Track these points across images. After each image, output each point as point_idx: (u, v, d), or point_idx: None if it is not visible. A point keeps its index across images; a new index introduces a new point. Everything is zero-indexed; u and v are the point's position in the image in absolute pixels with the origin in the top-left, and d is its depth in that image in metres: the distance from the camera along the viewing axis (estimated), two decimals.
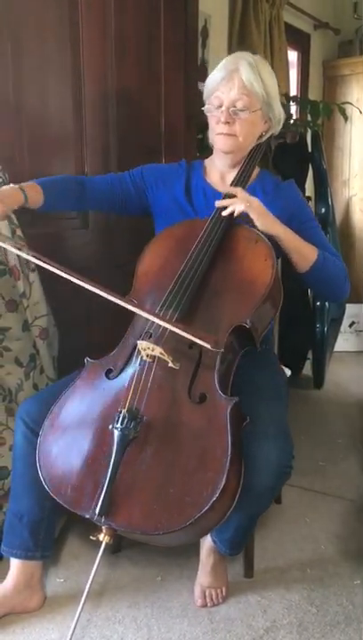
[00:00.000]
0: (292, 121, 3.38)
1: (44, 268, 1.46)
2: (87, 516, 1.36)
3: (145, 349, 1.44)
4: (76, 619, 1.43)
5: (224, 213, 1.58)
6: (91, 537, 1.38)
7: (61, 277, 1.44)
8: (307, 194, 3.50)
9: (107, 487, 1.33)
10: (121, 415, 1.38)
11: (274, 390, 1.65)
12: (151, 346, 1.43)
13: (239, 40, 3.40)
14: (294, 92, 4.15)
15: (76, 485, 1.39)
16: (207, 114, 1.70)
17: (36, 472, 1.45)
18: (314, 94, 4.44)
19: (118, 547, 1.91)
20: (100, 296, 1.44)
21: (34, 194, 1.62)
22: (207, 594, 1.70)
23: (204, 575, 1.72)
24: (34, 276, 1.90)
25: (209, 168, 1.82)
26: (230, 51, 3.33)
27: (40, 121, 2.03)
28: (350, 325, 4.19)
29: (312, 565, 1.87)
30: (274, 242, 1.59)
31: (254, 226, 1.58)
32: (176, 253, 1.61)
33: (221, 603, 1.70)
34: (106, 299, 1.44)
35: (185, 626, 1.62)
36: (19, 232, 1.86)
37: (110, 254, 2.21)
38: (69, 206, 1.78)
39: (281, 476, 1.49)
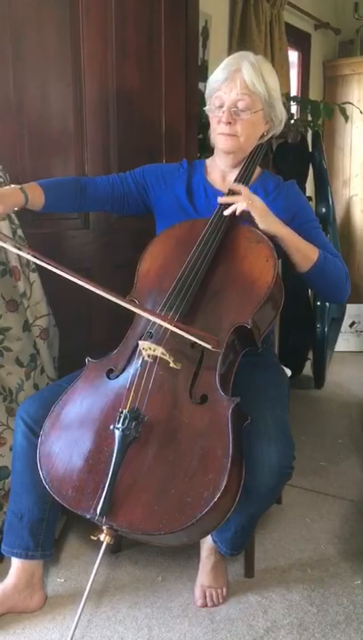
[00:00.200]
0: (292, 121, 3.39)
1: (44, 268, 1.46)
2: (88, 517, 1.36)
3: (146, 350, 1.44)
4: (76, 619, 1.44)
5: (226, 213, 1.58)
6: (91, 537, 1.38)
7: (62, 277, 1.44)
8: (307, 194, 3.49)
9: (108, 487, 1.33)
10: (122, 415, 1.38)
11: (275, 390, 1.65)
12: (153, 346, 1.43)
13: (240, 40, 3.40)
14: (294, 92, 4.16)
15: (77, 485, 1.39)
16: (209, 114, 1.70)
17: (36, 471, 1.45)
18: (315, 94, 4.44)
19: (119, 547, 1.91)
20: (101, 296, 1.44)
21: (35, 195, 1.62)
22: (208, 594, 1.70)
23: (204, 575, 1.72)
24: (34, 277, 1.90)
25: (210, 168, 1.82)
26: (231, 51, 3.33)
27: (41, 121, 2.03)
28: (351, 325, 4.19)
29: (313, 565, 1.87)
30: (275, 242, 1.59)
31: (256, 226, 1.58)
32: (177, 253, 1.61)
33: (221, 603, 1.70)
34: (106, 299, 1.44)
35: (186, 626, 1.62)
36: (20, 232, 1.86)
37: (111, 254, 2.21)
38: (71, 207, 1.78)
39: (282, 476, 1.49)
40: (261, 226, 1.56)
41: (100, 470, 1.38)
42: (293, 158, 3.25)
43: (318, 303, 3.38)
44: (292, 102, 3.46)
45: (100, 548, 1.38)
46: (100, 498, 1.33)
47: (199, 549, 1.77)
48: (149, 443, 1.38)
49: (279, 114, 1.71)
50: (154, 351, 1.43)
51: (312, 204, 3.37)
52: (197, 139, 2.39)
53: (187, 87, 2.30)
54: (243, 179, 1.68)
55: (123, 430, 1.36)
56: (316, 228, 1.74)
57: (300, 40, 4.25)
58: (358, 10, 4.48)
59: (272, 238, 1.58)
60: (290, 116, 2.99)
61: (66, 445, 1.45)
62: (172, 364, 1.43)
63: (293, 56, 4.20)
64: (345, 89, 4.55)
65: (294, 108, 3.51)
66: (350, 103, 3.90)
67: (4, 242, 1.51)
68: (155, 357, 1.45)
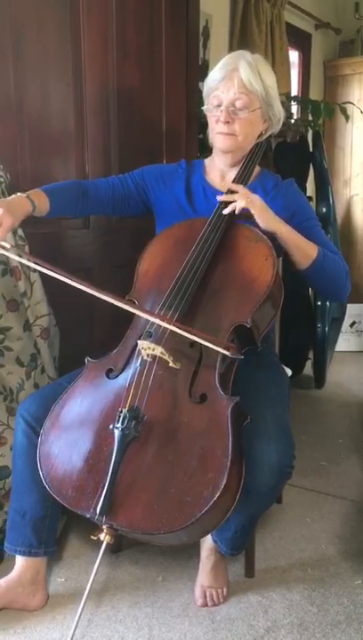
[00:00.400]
0: (293, 121, 3.39)
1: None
2: (88, 516, 1.36)
3: (145, 349, 1.44)
4: (76, 618, 1.44)
5: (225, 212, 1.58)
6: (92, 536, 1.38)
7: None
8: (308, 193, 3.49)
9: (107, 487, 1.33)
10: (122, 415, 1.38)
11: (275, 390, 1.65)
12: (152, 345, 1.43)
13: (240, 40, 3.40)
14: (295, 91, 4.16)
15: (76, 485, 1.39)
16: (207, 113, 1.70)
17: (37, 469, 1.45)
18: (315, 94, 4.44)
19: (119, 546, 1.91)
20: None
21: (40, 201, 1.61)
22: (208, 594, 1.70)
23: (204, 575, 1.72)
24: (35, 276, 1.90)
25: (209, 167, 1.82)
26: (231, 51, 3.31)
27: (41, 121, 2.03)
28: (351, 325, 4.19)
29: (313, 565, 1.87)
30: (274, 240, 1.59)
31: (255, 224, 1.58)
32: (177, 253, 1.61)
33: (221, 602, 1.70)
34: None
35: (186, 625, 1.62)
36: (20, 232, 1.86)
37: (111, 254, 2.21)
38: (73, 212, 1.76)
39: (282, 475, 1.49)
40: (260, 223, 1.57)
41: (99, 470, 1.38)
42: (293, 158, 3.25)
43: (319, 303, 3.38)
44: (292, 102, 3.46)
45: (100, 548, 1.38)
46: (100, 497, 1.33)
47: (199, 549, 1.77)
48: (149, 442, 1.38)
49: (277, 112, 1.71)
50: (153, 350, 1.43)
51: (313, 203, 3.38)
52: (197, 138, 2.39)
53: (187, 87, 2.30)
54: (242, 178, 1.68)
55: (122, 430, 1.36)
56: (315, 226, 1.74)
57: (300, 40, 4.26)
58: (358, 10, 4.48)
59: (272, 236, 1.58)
60: (290, 115, 2.99)
61: (65, 445, 1.45)
62: (171, 364, 1.43)
63: (293, 56, 4.20)
64: (346, 89, 4.55)
65: (294, 108, 3.51)
66: (350, 103, 3.90)
67: (7, 250, 1.50)
68: (154, 357, 1.45)
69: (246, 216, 1.58)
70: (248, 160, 1.72)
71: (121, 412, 1.39)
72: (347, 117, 3.43)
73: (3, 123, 1.95)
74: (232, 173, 1.73)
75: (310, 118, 3.35)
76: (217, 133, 1.68)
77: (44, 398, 1.59)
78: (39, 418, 1.53)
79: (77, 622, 1.45)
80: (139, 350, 1.47)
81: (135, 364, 1.48)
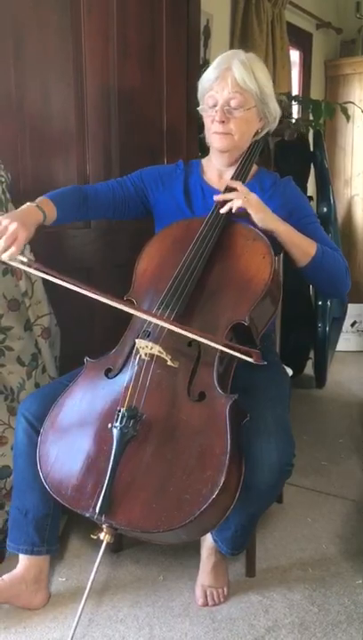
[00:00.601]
0: (294, 120, 3.38)
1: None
2: (88, 515, 1.36)
3: (143, 348, 1.45)
4: (77, 618, 1.44)
5: (222, 211, 1.58)
6: (91, 536, 1.38)
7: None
8: (309, 193, 3.49)
9: (106, 486, 1.33)
10: (120, 414, 1.38)
11: (276, 389, 1.65)
12: (150, 344, 1.44)
13: (241, 39, 3.40)
14: (296, 91, 4.15)
15: (76, 485, 1.40)
16: (202, 113, 1.71)
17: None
18: (316, 94, 4.44)
19: (120, 546, 1.92)
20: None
21: (49, 210, 1.61)
22: (208, 593, 1.70)
23: (204, 575, 1.72)
24: (36, 276, 1.90)
25: (207, 167, 1.82)
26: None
27: (42, 121, 2.03)
28: (352, 325, 4.19)
29: (314, 565, 1.87)
30: (273, 238, 1.60)
31: (253, 223, 1.58)
32: (174, 252, 1.61)
33: (222, 602, 1.70)
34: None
35: (187, 625, 1.62)
36: None
37: (112, 254, 2.21)
38: (76, 217, 1.76)
39: (282, 473, 1.49)
40: (257, 222, 1.57)
41: (99, 469, 1.38)
42: (294, 158, 3.25)
43: (320, 302, 3.38)
44: (293, 102, 3.46)
45: (100, 547, 1.38)
46: (100, 496, 1.33)
47: (200, 549, 1.77)
48: (148, 441, 1.38)
49: (273, 110, 1.72)
50: (151, 349, 1.44)
51: (314, 203, 3.38)
52: (198, 138, 2.39)
53: (188, 86, 2.30)
54: (239, 176, 1.69)
55: (121, 429, 1.36)
56: (314, 223, 1.74)
57: (301, 39, 4.25)
58: (359, 9, 4.48)
59: (270, 234, 1.58)
60: (289, 114, 2.98)
61: (65, 445, 1.45)
62: (169, 362, 1.44)
63: (294, 55, 4.19)
64: (347, 88, 4.55)
65: (295, 108, 3.51)
66: (351, 103, 3.89)
67: (24, 264, 1.48)
68: (152, 356, 1.45)
69: (243, 215, 1.58)
70: (245, 159, 1.72)
71: (119, 411, 1.39)
72: (348, 117, 3.42)
73: (3, 122, 1.95)
74: (230, 172, 1.74)
75: (311, 118, 3.35)
76: (213, 133, 1.69)
77: (44, 397, 1.59)
78: (40, 417, 1.53)
79: (78, 622, 1.45)
80: (137, 349, 1.47)
81: (133, 364, 1.49)
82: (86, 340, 2.18)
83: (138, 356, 1.48)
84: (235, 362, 1.52)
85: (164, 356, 1.43)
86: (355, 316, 4.16)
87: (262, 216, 1.57)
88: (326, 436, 2.81)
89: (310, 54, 4.38)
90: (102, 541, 1.36)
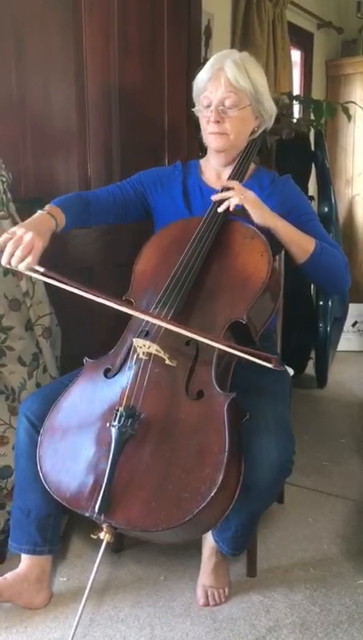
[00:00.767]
0: (295, 120, 3.38)
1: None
2: (87, 515, 1.37)
3: (141, 347, 1.45)
4: (77, 618, 1.44)
5: (220, 209, 1.58)
6: (92, 535, 1.38)
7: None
8: (310, 193, 3.49)
9: (105, 485, 1.34)
10: (118, 413, 1.38)
11: (276, 388, 1.65)
12: (147, 343, 1.44)
13: (242, 39, 3.40)
14: (297, 91, 4.15)
15: (75, 484, 1.40)
16: (198, 114, 1.72)
17: None
18: (317, 93, 4.44)
19: (121, 546, 1.91)
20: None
21: (60, 217, 1.60)
22: (209, 593, 1.70)
23: (206, 576, 1.72)
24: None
25: (205, 167, 1.83)
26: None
27: (43, 120, 2.03)
28: (353, 325, 4.19)
29: (315, 565, 1.87)
30: (272, 236, 1.60)
31: (251, 222, 1.58)
32: (172, 252, 1.61)
33: (223, 602, 1.70)
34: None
35: (188, 625, 1.62)
36: None
37: (113, 253, 2.21)
38: (81, 223, 1.75)
39: (282, 471, 1.49)
40: (255, 219, 1.57)
41: (98, 468, 1.39)
42: (295, 158, 3.25)
43: (321, 302, 3.38)
44: (294, 101, 3.45)
45: (101, 547, 1.38)
46: (99, 496, 1.34)
47: (201, 549, 1.77)
48: (146, 440, 1.39)
49: (269, 108, 1.72)
50: (148, 348, 1.44)
51: (315, 203, 3.37)
52: (199, 137, 2.39)
53: (189, 86, 2.28)
54: (237, 175, 1.69)
55: (119, 428, 1.36)
56: (313, 221, 1.75)
57: (302, 39, 4.25)
58: (360, 9, 4.47)
59: (267, 232, 1.59)
60: (290, 113, 2.98)
61: (64, 445, 1.46)
62: (167, 361, 1.44)
63: (295, 55, 4.19)
64: (348, 88, 4.55)
65: (296, 108, 3.51)
66: (352, 102, 3.88)
67: (40, 273, 1.47)
68: (150, 355, 1.45)
69: (241, 213, 1.58)
70: (242, 158, 1.73)
71: (117, 410, 1.39)
72: (349, 117, 3.42)
73: (5, 122, 1.95)
74: (228, 172, 1.74)
75: (313, 118, 3.35)
76: (209, 133, 1.70)
77: (45, 397, 1.59)
78: (41, 416, 1.53)
79: (78, 621, 1.45)
80: (135, 349, 1.48)
81: (132, 363, 1.49)
82: (87, 339, 2.18)
83: (136, 356, 1.48)
84: (234, 360, 1.52)
85: (161, 354, 1.43)
86: (356, 316, 4.16)
87: (260, 213, 1.58)
88: (327, 436, 2.81)
89: (311, 54, 4.37)
90: (102, 541, 1.37)
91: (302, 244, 1.63)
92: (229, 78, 1.62)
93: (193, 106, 1.75)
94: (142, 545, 1.91)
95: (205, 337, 1.42)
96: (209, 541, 1.71)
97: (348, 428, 2.93)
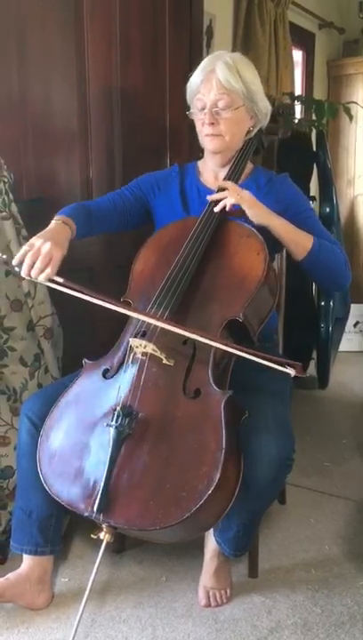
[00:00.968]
0: (296, 120, 3.38)
1: None
2: (86, 515, 1.37)
3: (138, 347, 1.46)
4: (78, 618, 1.44)
5: (216, 209, 1.59)
6: (92, 535, 1.39)
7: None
8: (312, 193, 3.49)
9: (103, 485, 1.34)
10: (116, 413, 1.39)
11: (277, 388, 1.65)
12: (143, 343, 1.44)
13: (244, 40, 3.39)
14: (298, 91, 4.15)
15: (74, 485, 1.41)
16: (193, 117, 1.73)
17: None
18: (319, 94, 4.43)
19: (123, 547, 1.91)
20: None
21: (73, 226, 1.61)
22: (211, 594, 1.70)
23: (207, 577, 1.72)
24: None
25: (203, 169, 1.84)
26: (235, 50, 3.33)
27: (45, 121, 2.03)
28: (355, 325, 4.18)
29: (317, 566, 1.87)
30: (271, 235, 1.60)
31: (248, 221, 1.59)
32: (169, 252, 1.62)
33: (225, 603, 1.70)
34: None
35: (190, 626, 1.62)
36: (24, 232, 1.86)
37: (114, 254, 2.21)
38: (86, 232, 1.73)
39: (282, 468, 1.49)
40: (251, 218, 1.58)
41: (96, 469, 1.39)
42: (297, 158, 3.25)
43: (323, 303, 3.37)
44: (296, 102, 3.45)
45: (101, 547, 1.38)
46: (97, 496, 1.34)
47: (203, 550, 1.77)
48: (144, 439, 1.39)
49: (263, 107, 1.72)
50: (145, 348, 1.44)
51: (316, 203, 3.37)
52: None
53: None
54: (233, 175, 1.70)
55: (116, 427, 1.37)
56: (312, 218, 1.75)
57: (304, 39, 4.25)
58: (362, 9, 4.46)
59: (266, 231, 1.59)
60: (292, 112, 2.98)
61: (64, 446, 1.46)
62: (164, 361, 1.44)
63: (297, 55, 4.19)
64: (350, 88, 4.54)
65: (298, 108, 3.51)
66: (354, 103, 3.88)
67: (59, 284, 1.46)
68: (147, 354, 1.46)
69: (238, 213, 1.59)
70: (239, 158, 1.73)
71: (115, 410, 1.40)
72: (351, 117, 3.42)
73: (6, 123, 1.95)
74: (225, 172, 1.75)
75: (314, 118, 3.35)
76: (205, 136, 1.71)
77: (47, 397, 1.60)
78: (43, 417, 1.54)
79: (79, 622, 1.45)
80: (132, 349, 1.48)
81: (129, 363, 1.49)
82: (89, 340, 2.18)
83: (133, 356, 1.49)
84: (233, 359, 1.53)
85: (158, 354, 1.44)
86: (358, 317, 4.15)
87: (256, 211, 1.58)
88: (328, 437, 2.81)
89: (312, 54, 4.37)
90: (102, 541, 1.37)
91: (299, 242, 1.63)
92: (220, 80, 1.63)
93: None
94: (144, 545, 1.91)
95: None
96: (211, 543, 1.71)
97: (349, 428, 2.93)
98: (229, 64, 1.63)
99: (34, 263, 1.45)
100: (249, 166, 1.80)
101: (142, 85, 2.22)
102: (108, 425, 1.39)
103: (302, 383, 3.46)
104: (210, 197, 1.62)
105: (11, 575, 1.66)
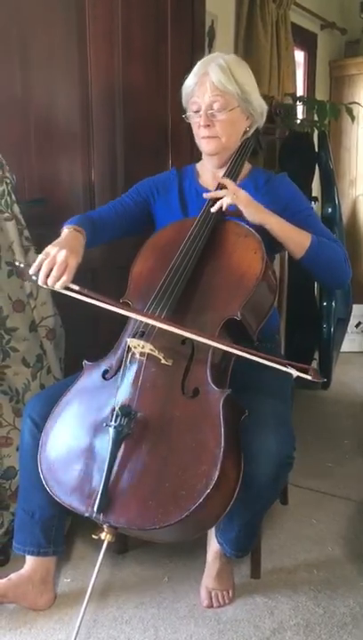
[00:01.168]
0: (298, 120, 3.38)
1: None
2: (87, 515, 1.38)
3: (135, 347, 1.46)
4: (80, 618, 1.44)
5: (213, 209, 1.60)
6: (93, 536, 1.39)
7: None
8: (314, 194, 3.49)
9: (103, 485, 1.35)
10: (114, 413, 1.40)
11: (278, 388, 1.65)
12: (141, 343, 1.45)
13: (246, 40, 3.39)
14: (300, 91, 4.15)
15: (74, 485, 1.41)
16: (190, 120, 1.73)
17: None
18: (321, 94, 4.43)
19: (125, 547, 1.92)
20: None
21: (83, 234, 1.62)
22: (213, 595, 1.70)
23: (210, 579, 1.72)
24: None
25: (201, 171, 1.85)
26: (237, 51, 3.33)
27: (47, 122, 2.03)
28: (357, 326, 4.18)
29: (319, 566, 1.87)
30: (270, 234, 1.61)
31: (246, 220, 1.60)
32: (167, 253, 1.63)
33: (227, 604, 1.70)
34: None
35: (192, 627, 1.62)
36: (26, 233, 1.86)
37: (115, 255, 2.21)
38: (93, 242, 1.71)
39: (282, 466, 1.49)
40: (247, 217, 1.59)
41: (96, 469, 1.40)
42: (299, 159, 3.25)
43: (325, 303, 3.37)
44: (298, 102, 3.46)
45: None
46: (97, 496, 1.35)
47: (205, 550, 1.77)
48: (143, 439, 1.40)
49: (257, 107, 1.73)
50: (143, 348, 1.45)
51: (319, 204, 3.37)
52: None
53: None
54: (230, 175, 1.70)
55: (115, 427, 1.38)
56: (310, 216, 1.76)
57: (306, 40, 4.25)
58: None
59: (264, 230, 1.60)
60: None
61: (64, 447, 1.47)
62: (163, 361, 1.45)
63: (299, 56, 4.19)
64: (352, 89, 4.54)
65: (300, 108, 3.51)
66: (356, 103, 3.88)
67: (75, 291, 1.47)
68: (146, 355, 1.46)
69: (236, 213, 1.59)
70: (236, 158, 1.74)
71: (113, 410, 1.40)
72: (353, 118, 3.42)
73: (9, 124, 1.95)
74: (222, 173, 1.75)
75: (316, 118, 3.35)
76: (201, 138, 1.72)
77: (49, 398, 1.60)
78: (46, 418, 1.54)
79: (80, 622, 1.45)
80: (130, 349, 1.49)
81: (128, 363, 1.50)
82: (91, 341, 2.18)
83: (132, 356, 1.49)
84: (232, 359, 1.53)
85: (156, 354, 1.44)
86: (360, 317, 4.15)
87: (252, 211, 1.59)
88: (330, 437, 2.81)
89: (314, 55, 4.37)
90: (103, 541, 1.37)
91: (298, 240, 1.64)
92: (214, 82, 1.64)
93: None
94: (146, 546, 1.91)
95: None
96: (214, 545, 1.71)
97: (351, 428, 2.92)
98: (223, 66, 1.65)
99: (50, 271, 1.47)
100: (248, 167, 1.81)
101: (144, 86, 2.22)
102: (107, 425, 1.40)
103: (303, 383, 3.45)
104: (206, 195, 1.64)
105: (13, 576, 1.66)
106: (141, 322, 1.51)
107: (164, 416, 1.41)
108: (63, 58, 2.03)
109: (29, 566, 1.68)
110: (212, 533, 1.72)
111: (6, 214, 1.81)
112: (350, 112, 3.31)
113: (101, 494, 1.34)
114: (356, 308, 3.95)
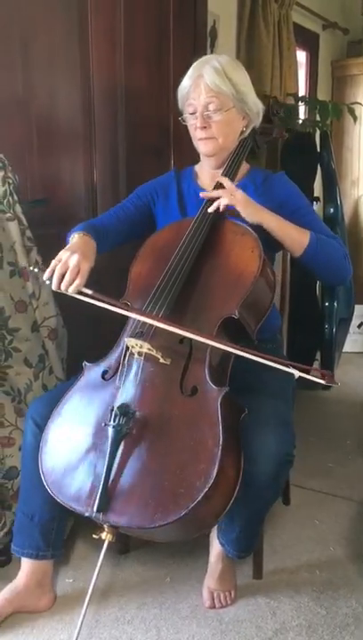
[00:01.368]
0: (300, 121, 3.38)
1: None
2: (87, 515, 1.38)
3: (133, 346, 1.47)
4: (81, 618, 1.44)
5: (210, 210, 1.60)
6: (93, 535, 1.39)
7: None
8: (316, 194, 3.49)
9: (103, 484, 1.35)
10: (113, 412, 1.40)
11: (278, 387, 1.65)
12: (139, 342, 1.45)
13: (248, 40, 3.39)
14: (302, 92, 4.14)
15: (75, 485, 1.41)
16: (186, 123, 1.74)
17: None
18: (323, 94, 4.43)
19: (127, 547, 1.92)
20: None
21: (93, 238, 1.63)
22: (215, 596, 1.70)
23: (211, 579, 1.72)
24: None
25: (200, 172, 1.86)
26: (239, 51, 3.33)
27: (49, 122, 2.04)
28: (359, 326, 4.18)
29: (321, 567, 1.87)
30: (268, 234, 1.61)
31: (243, 220, 1.60)
32: (165, 253, 1.63)
33: (229, 604, 1.70)
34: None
35: (194, 627, 1.62)
36: (28, 233, 1.86)
37: (116, 257, 2.21)
38: (98, 249, 1.68)
39: (282, 464, 1.49)
40: (245, 217, 1.59)
41: (96, 469, 1.40)
42: (301, 159, 3.25)
43: (327, 304, 3.37)
44: (300, 102, 3.45)
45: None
46: (97, 495, 1.35)
47: (208, 550, 1.77)
48: (142, 438, 1.40)
49: (253, 106, 1.74)
50: (140, 347, 1.45)
51: (320, 204, 3.37)
52: None
53: None
54: (228, 175, 1.71)
55: (114, 427, 1.38)
56: (309, 214, 1.76)
57: (308, 40, 4.24)
58: None
59: (263, 230, 1.60)
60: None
61: (64, 447, 1.47)
62: (161, 360, 1.45)
63: (301, 56, 4.18)
64: (354, 89, 4.54)
65: (302, 109, 3.50)
66: (358, 103, 3.87)
67: (88, 296, 1.48)
68: (144, 354, 1.47)
69: (233, 212, 1.60)
70: (233, 158, 1.74)
71: (112, 409, 1.41)
72: (355, 118, 3.41)
73: (11, 124, 1.95)
74: (220, 173, 1.75)
75: (318, 119, 3.34)
76: (198, 140, 1.73)
77: (52, 399, 1.60)
78: (48, 418, 1.54)
79: (82, 622, 1.45)
80: (129, 349, 1.49)
81: (127, 363, 1.50)
82: (93, 341, 2.17)
83: (130, 356, 1.50)
84: (232, 358, 1.53)
85: (154, 353, 1.44)
86: (362, 317, 4.15)
87: (250, 210, 1.59)
88: (332, 438, 2.81)
89: (316, 55, 4.36)
90: (104, 541, 1.38)
91: (296, 238, 1.64)
92: (208, 84, 1.65)
93: None
94: (148, 546, 1.91)
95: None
96: (216, 546, 1.71)
97: (353, 429, 2.92)
98: (217, 67, 1.65)
99: (63, 276, 1.47)
100: (246, 166, 1.82)
101: (146, 85, 2.22)
102: (106, 425, 1.40)
103: (305, 384, 3.45)
104: (203, 194, 1.64)
105: (6, 590, 1.66)
106: (140, 322, 1.52)
107: (162, 415, 1.41)
108: (65, 58, 2.03)
109: (25, 571, 1.67)
110: (214, 535, 1.72)
111: (8, 214, 1.81)
112: (352, 112, 3.31)
113: (101, 494, 1.34)
114: (358, 309, 3.94)
